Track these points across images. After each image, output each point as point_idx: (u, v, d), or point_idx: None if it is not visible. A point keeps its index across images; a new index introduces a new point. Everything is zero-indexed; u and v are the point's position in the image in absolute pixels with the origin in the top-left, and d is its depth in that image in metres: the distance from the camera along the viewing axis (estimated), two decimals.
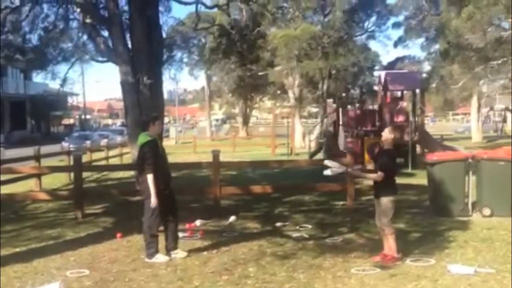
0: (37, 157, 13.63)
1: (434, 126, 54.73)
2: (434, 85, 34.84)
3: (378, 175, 5.96)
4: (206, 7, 15.74)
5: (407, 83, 19.33)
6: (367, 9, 35.78)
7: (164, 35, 14.28)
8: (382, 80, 19.37)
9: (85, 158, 15.36)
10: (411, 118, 17.89)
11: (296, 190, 11.27)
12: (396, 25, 36.28)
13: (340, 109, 19.14)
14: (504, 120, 47.86)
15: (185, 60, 42.34)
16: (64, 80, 16.40)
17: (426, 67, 37.99)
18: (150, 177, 6.09)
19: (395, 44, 36.73)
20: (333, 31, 31.71)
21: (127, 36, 11.43)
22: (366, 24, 37.34)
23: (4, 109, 44.11)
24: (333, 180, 10.55)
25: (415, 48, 69.35)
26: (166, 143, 17.59)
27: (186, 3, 13.99)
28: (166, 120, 47.42)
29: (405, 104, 18.92)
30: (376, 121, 18.28)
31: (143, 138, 6.32)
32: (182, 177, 15.03)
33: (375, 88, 29.00)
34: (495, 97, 44.21)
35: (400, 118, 18.02)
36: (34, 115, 47.83)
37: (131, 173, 11.84)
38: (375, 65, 42.01)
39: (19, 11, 12.92)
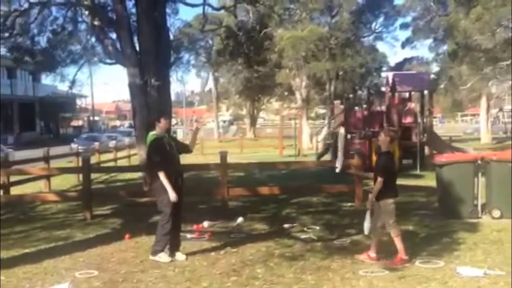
0: (46, 159, 13.73)
1: (442, 128, 54.45)
2: (442, 86, 34.68)
3: (379, 182, 5.97)
4: (213, 9, 15.79)
5: (415, 84, 19.26)
6: (375, 10, 35.72)
7: (171, 37, 14.34)
8: (390, 81, 19.30)
9: (93, 160, 15.47)
10: (419, 119, 17.81)
11: (303, 191, 11.27)
12: (404, 26, 36.14)
13: (342, 111, 19.14)
14: None
15: (193, 61, 42.52)
16: (73, 82, 16.44)
17: (435, 68, 37.85)
18: (161, 175, 6.08)
19: (403, 45, 36.58)
20: (340, 32, 31.70)
21: (135, 38, 11.49)
22: (373, 25, 37.32)
23: (14, 111, 44.47)
24: (341, 182, 10.56)
25: (423, 49, 69.38)
26: None
27: (193, 5, 14.06)
28: (173, 121, 47.56)
29: (413, 105, 18.84)
30: (384, 122, 18.22)
31: (149, 137, 6.36)
32: (189, 178, 15.03)
33: (383, 89, 28.90)
34: (504, 98, 43.88)
35: (408, 119, 17.96)
36: (43, 117, 48.17)
37: (139, 174, 11.89)
38: (383, 66, 41.91)
39: (28, 14, 13.01)
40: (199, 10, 15.72)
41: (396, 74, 20.43)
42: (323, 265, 5.95)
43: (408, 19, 35.16)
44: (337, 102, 24.23)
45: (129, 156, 22.32)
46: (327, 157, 18.74)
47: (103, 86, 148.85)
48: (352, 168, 10.06)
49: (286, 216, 9.16)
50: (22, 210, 10.21)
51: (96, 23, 11.75)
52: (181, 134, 44.53)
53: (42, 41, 14.28)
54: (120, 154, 22.90)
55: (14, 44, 14.07)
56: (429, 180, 12.17)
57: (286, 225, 8.17)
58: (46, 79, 32.13)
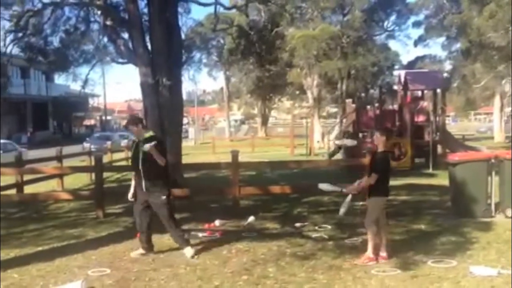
0: (59, 158, 13.85)
1: (455, 126, 53.98)
2: (455, 84, 34.42)
3: (372, 178, 5.98)
4: (225, 8, 15.77)
5: (428, 83, 19.12)
6: (387, 8, 35.51)
7: (183, 36, 14.37)
8: (402, 79, 19.19)
9: (105, 159, 15.54)
10: (432, 118, 17.68)
11: (315, 191, 11.20)
12: (417, 24, 35.95)
13: (354, 110, 19.04)
14: None
15: (204, 61, 42.65)
16: (86, 82, 16.56)
17: (447, 66, 37.57)
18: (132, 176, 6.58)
19: (415, 43, 36.36)
20: (352, 31, 31.55)
21: (147, 38, 11.53)
22: (385, 23, 37.11)
23: (27, 110, 44.94)
24: (353, 181, 10.50)
25: (435, 47, 68.82)
26: (185, 143, 17.70)
27: (204, 5, 14.05)
28: (185, 121, 47.78)
29: (426, 104, 18.72)
30: (396, 121, 18.12)
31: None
32: (201, 178, 15.12)
33: (395, 87, 28.74)
34: None
35: (421, 118, 17.85)
36: (56, 116, 48.61)
37: None
38: (395, 65, 41.64)
39: (41, 14, 13.12)
40: (210, 9, 15.80)
41: (408, 73, 20.31)
42: (334, 264, 5.93)
43: (421, 17, 35.00)
44: (349, 101, 24.13)
45: None
46: (339, 156, 18.67)
47: (115, 86, 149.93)
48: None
49: (298, 215, 9.15)
50: (35, 209, 10.31)
51: (108, 23, 11.82)
52: (192, 133, 44.69)
53: (55, 41, 14.42)
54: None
55: (28, 44, 14.20)
56: (442, 179, 12.08)
57: (297, 224, 8.16)
58: (59, 79, 32.46)
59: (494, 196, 8.50)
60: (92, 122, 64.26)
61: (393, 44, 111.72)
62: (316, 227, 7.97)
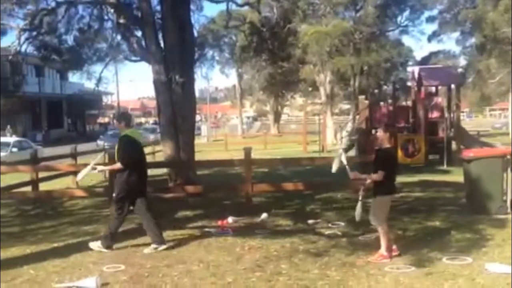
0: (74, 155, 13.97)
1: (470, 122, 53.47)
2: (470, 80, 34.05)
3: (378, 175, 5.90)
4: (237, 5, 15.76)
5: (442, 78, 18.95)
6: (400, 4, 35.17)
7: (195, 33, 14.39)
8: (416, 75, 19.03)
9: None
10: (446, 114, 17.53)
11: (328, 187, 11.19)
12: (430, 19, 35.52)
13: (367, 106, 18.89)
14: None
15: (217, 58, 42.69)
16: (99, 80, 16.67)
17: (462, 61, 37.19)
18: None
19: (429, 39, 35.99)
20: (365, 27, 31.33)
21: (160, 35, 11.57)
22: (399, 18, 36.77)
23: (42, 108, 45.41)
24: None
25: (450, 43, 67.92)
26: (198, 141, 17.76)
27: (217, 2, 14.07)
28: (197, 118, 47.96)
29: (440, 100, 18.55)
30: (410, 118, 17.99)
31: None
32: (214, 175, 15.16)
33: (409, 83, 28.53)
34: None
35: (435, 114, 17.69)
36: (70, 114, 49.07)
37: (164, 170, 11.99)
38: (409, 61, 41.34)
39: (55, 13, 13.22)
40: (223, 6, 15.80)
41: (422, 69, 20.13)
42: (348, 261, 5.91)
43: (435, 12, 34.62)
44: (362, 97, 24.02)
45: (153, 153, 22.53)
46: (352, 152, 18.58)
47: (129, 84, 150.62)
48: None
49: (311, 212, 9.13)
50: (50, 206, 10.43)
51: (121, 21, 11.88)
52: (205, 131, 44.80)
53: (69, 39, 14.52)
54: (145, 150, 23.10)
55: (42, 43, 14.31)
56: (456, 176, 11.96)
57: (310, 221, 8.15)
58: (73, 77, 32.69)
59: (510, 192, 8.39)
60: (106, 120, 64.68)
61: (406, 40, 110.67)
62: (329, 224, 7.95)
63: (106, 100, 60.80)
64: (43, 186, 11.59)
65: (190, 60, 11.74)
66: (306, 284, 5.22)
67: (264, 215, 8.51)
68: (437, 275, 5.37)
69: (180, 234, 7.39)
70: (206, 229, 7.64)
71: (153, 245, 6.55)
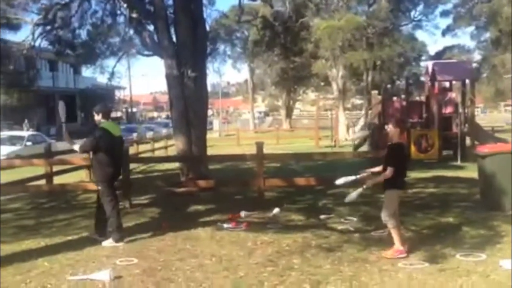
0: None
1: (485, 118, 52.88)
2: (484, 74, 33.69)
3: (389, 172, 5.85)
4: None
5: (456, 73, 18.75)
6: None
7: (208, 28, 14.40)
8: (430, 70, 18.86)
9: (132, 150, 15.75)
10: (460, 110, 17.36)
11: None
12: (445, 13, 35.18)
13: (380, 101, 18.73)
14: None
15: (229, 53, 42.70)
16: (112, 74, 16.75)
17: (476, 56, 36.79)
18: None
19: (443, 33, 35.66)
20: (378, 21, 31.11)
21: (172, 30, 11.59)
22: (412, 13, 36.45)
23: (56, 103, 45.77)
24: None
25: (464, 37, 67.11)
26: (210, 135, 17.79)
27: None
28: (209, 112, 48.08)
29: (454, 95, 18.37)
30: (424, 113, 17.84)
31: None
32: (226, 169, 15.19)
33: (422, 78, 28.28)
34: None
35: (449, 109, 17.54)
36: (83, 108, 49.34)
37: (176, 164, 12.03)
38: (422, 55, 41.01)
39: (69, 8, 13.31)
40: (235, 1, 15.87)
41: (436, 63, 19.93)
42: (360, 257, 5.89)
43: (449, 6, 34.26)
44: (374, 92, 23.84)
45: (166, 147, 22.66)
46: (364, 148, 18.51)
47: (141, 78, 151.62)
48: None
49: (323, 207, 9.10)
50: (64, 199, 10.53)
51: (134, 15, 11.90)
52: (217, 125, 44.89)
53: (83, 34, 14.63)
54: (157, 145, 23.25)
55: (56, 37, 14.42)
56: (470, 171, 11.86)
57: (322, 216, 8.13)
58: (86, 72, 32.96)
59: None
60: (118, 114, 65.05)
61: (420, 34, 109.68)
62: (342, 219, 7.92)
63: (119, 94, 61.16)
64: (57, 180, 11.69)
65: (202, 55, 11.74)
66: (318, 279, 5.21)
67: (276, 210, 8.51)
68: (451, 272, 5.33)
69: (192, 228, 7.42)
70: (219, 224, 7.66)
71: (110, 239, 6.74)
